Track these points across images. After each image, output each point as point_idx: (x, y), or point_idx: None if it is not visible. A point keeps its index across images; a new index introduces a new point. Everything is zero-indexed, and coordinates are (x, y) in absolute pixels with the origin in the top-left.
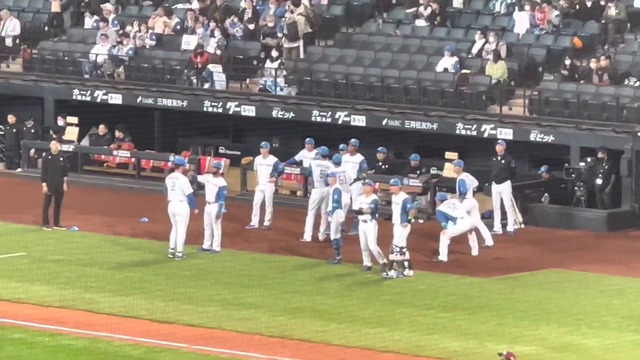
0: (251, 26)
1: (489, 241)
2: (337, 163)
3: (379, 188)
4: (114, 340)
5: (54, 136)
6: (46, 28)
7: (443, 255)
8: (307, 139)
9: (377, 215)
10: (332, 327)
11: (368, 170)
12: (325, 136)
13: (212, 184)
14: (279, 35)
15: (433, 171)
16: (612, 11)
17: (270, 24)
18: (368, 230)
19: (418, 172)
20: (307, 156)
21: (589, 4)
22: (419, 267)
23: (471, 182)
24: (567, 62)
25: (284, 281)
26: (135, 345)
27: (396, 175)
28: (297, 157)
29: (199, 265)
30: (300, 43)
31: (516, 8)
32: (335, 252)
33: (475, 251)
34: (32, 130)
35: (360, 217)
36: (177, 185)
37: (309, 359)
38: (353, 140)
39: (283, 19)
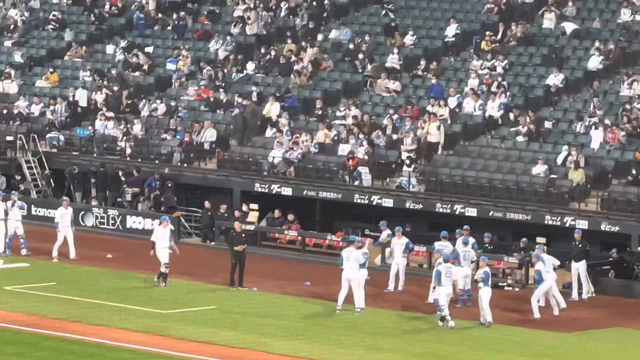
0: (394, 136)
1: (562, 305)
2: (465, 243)
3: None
4: None
5: (239, 216)
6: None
7: (536, 314)
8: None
9: (489, 282)
10: None
11: (478, 250)
12: (445, 223)
13: (355, 255)
14: (413, 146)
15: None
16: None
17: (407, 138)
18: (483, 294)
19: (523, 251)
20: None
21: None
22: (515, 324)
23: (552, 260)
24: (634, 171)
25: (412, 332)
26: None
27: (497, 254)
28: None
29: (349, 319)
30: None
31: (592, 128)
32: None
33: (555, 311)
34: (225, 214)
35: (478, 285)
36: (352, 257)
37: None
38: (466, 226)
39: (417, 131)
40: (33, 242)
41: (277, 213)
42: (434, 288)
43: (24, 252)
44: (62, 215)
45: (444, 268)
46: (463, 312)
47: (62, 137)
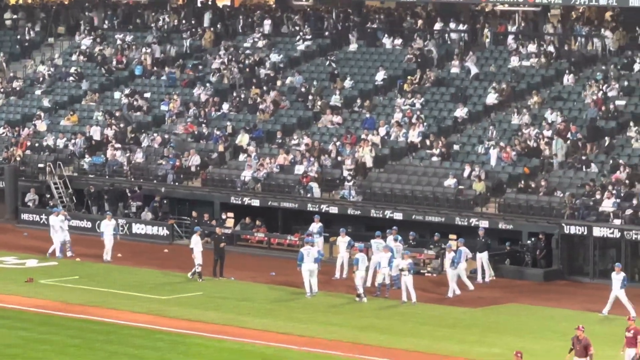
0: (338, 158)
1: (471, 287)
2: (396, 240)
3: (410, 255)
4: (255, 344)
5: (216, 224)
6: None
7: (450, 293)
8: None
9: (412, 271)
10: (384, 337)
11: (404, 244)
12: (378, 225)
13: (313, 252)
14: (352, 165)
15: (442, 245)
16: (546, 152)
17: (348, 160)
18: (408, 280)
19: (435, 244)
20: (315, 227)
21: (534, 146)
22: (434, 302)
23: (467, 253)
24: (523, 182)
25: (355, 309)
26: (268, 347)
27: (419, 248)
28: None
29: (305, 301)
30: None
31: (491, 149)
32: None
33: (450, 293)
34: (208, 221)
35: (402, 272)
36: (311, 253)
37: (370, 355)
38: (394, 227)
39: (355, 154)
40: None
41: (248, 219)
42: (354, 272)
43: (69, 254)
44: (106, 225)
45: (360, 256)
46: (395, 293)
47: (99, 160)
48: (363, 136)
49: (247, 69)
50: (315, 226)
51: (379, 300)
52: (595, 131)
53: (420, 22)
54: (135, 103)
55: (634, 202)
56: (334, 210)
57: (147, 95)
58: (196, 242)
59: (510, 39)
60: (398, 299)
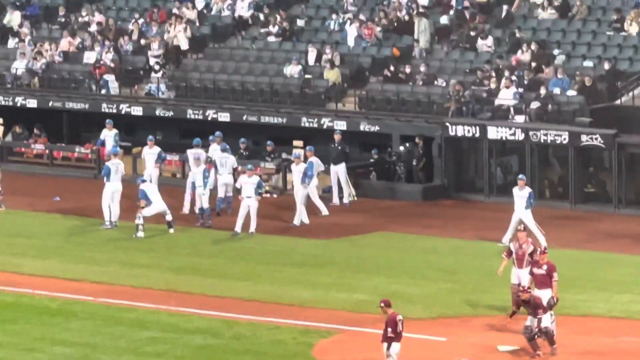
0: (142, 41)
1: (324, 211)
2: (223, 150)
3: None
4: (35, 296)
5: None
6: None
7: (296, 221)
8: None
9: (260, 192)
10: (208, 282)
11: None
12: (198, 130)
13: (122, 168)
14: (161, 50)
15: (284, 156)
16: (421, 26)
17: (155, 43)
18: (252, 204)
19: (273, 155)
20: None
21: (406, 19)
22: (275, 233)
23: (318, 165)
24: (392, 68)
25: (168, 245)
26: (53, 299)
27: (253, 160)
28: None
29: (102, 235)
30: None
31: (347, 25)
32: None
33: (297, 220)
34: None
35: (245, 194)
36: (120, 169)
37: (190, 308)
38: (218, 132)
39: (164, 35)
40: None
41: (18, 128)
42: (142, 207)
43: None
44: None
45: (147, 187)
46: (221, 222)
47: None
48: (175, 11)
49: None
50: (109, 134)
51: (201, 232)
52: None
53: None
54: None
55: (542, 92)
56: (137, 111)
57: None
58: None
59: None
60: (228, 230)
